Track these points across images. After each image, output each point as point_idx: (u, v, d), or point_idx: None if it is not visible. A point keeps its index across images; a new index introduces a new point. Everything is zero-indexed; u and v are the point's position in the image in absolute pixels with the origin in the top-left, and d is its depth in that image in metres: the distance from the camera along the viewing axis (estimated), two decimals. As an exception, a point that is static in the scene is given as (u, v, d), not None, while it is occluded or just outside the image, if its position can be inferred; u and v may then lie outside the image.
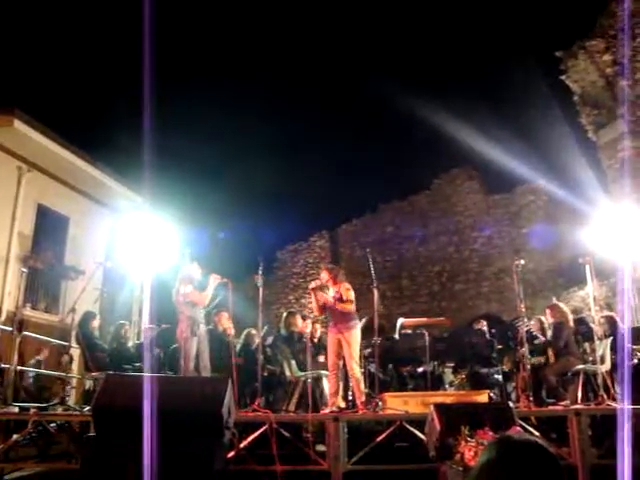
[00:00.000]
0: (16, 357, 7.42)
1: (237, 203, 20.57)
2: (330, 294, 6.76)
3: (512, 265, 7.17)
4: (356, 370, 6.50)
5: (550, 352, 7.40)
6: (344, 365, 6.85)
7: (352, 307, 6.63)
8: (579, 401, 6.73)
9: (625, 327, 6.94)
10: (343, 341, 6.53)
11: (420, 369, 8.62)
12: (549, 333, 7.62)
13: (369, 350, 7.81)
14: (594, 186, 12.30)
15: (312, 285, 7.04)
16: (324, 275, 6.94)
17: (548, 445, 1.68)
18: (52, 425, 6.27)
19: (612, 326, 7.36)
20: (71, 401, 8.21)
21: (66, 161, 11.73)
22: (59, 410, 6.67)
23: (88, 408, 6.04)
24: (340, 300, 6.62)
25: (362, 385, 6.60)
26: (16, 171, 11.32)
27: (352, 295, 6.68)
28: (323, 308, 6.90)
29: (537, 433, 5.43)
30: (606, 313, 8.06)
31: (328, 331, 6.89)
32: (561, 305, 7.83)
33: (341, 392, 6.97)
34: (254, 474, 5.11)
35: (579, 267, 7.28)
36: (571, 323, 7.43)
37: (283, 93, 29.53)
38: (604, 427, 5.66)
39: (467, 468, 3.90)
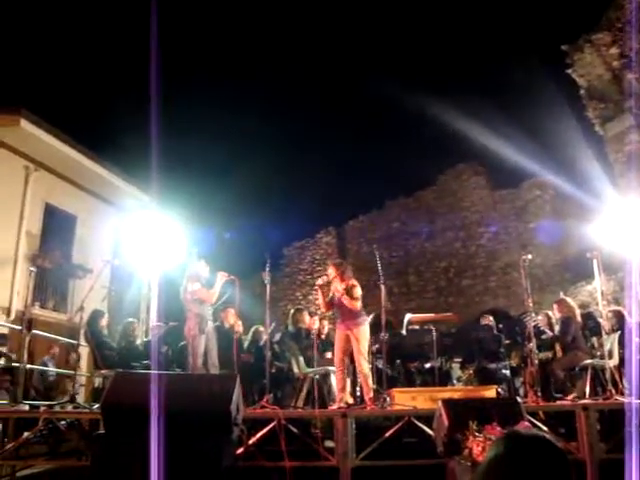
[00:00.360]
0: (26, 356, 7.46)
1: (244, 201, 20.63)
2: (339, 288, 6.74)
3: (519, 260, 7.15)
4: (364, 366, 6.50)
5: (558, 347, 7.40)
6: (352, 361, 6.86)
7: (359, 304, 6.61)
8: (587, 396, 6.71)
9: (633, 321, 6.92)
10: (352, 337, 6.52)
11: (428, 365, 8.63)
12: (556, 328, 7.61)
13: (377, 346, 7.81)
14: (601, 180, 12.23)
15: (319, 281, 7.04)
16: (331, 271, 6.90)
17: (556, 440, 1.68)
18: (62, 423, 6.30)
19: (620, 320, 7.33)
20: (80, 399, 8.25)
21: (73, 160, 11.77)
22: (69, 408, 6.71)
23: (97, 406, 6.07)
24: (347, 294, 6.60)
25: (370, 381, 6.60)
26: (23, 170, 11.38)
27: (359, 292, 6.66)
28: (330, 304, 6.89)
29: (545, 428, 5.43)
30: (614, 307, 8.03)
31: (336, 327, 6.88)
32: (568, 300, 7.81)
33: (349, 388, 6.98)
34: (263, 470, 5.13)
35: (586, 262, 7.25)
36: (578, 318, 7.41)
37: (288, 92, 29.56)
38: (612, 422, 5.65)
39: (475, 463, 3.90)
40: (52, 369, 9.75)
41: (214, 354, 7.09)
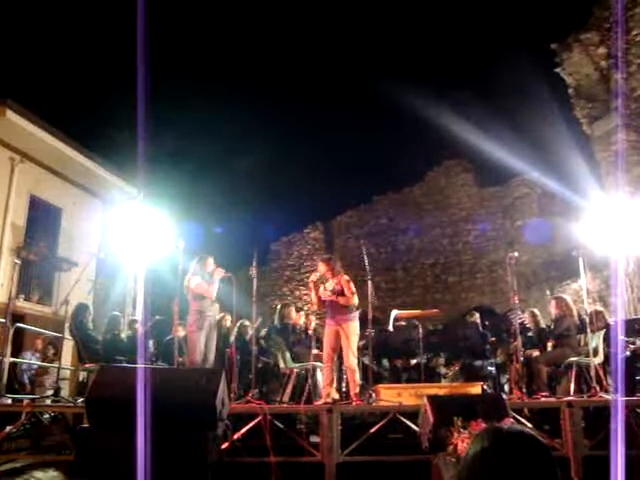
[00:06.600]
0: (9, 349, 7.39)
1: (232, 195, 20.56)
2: (328, 287, 6.68)
3: (506, 258, 7.16)
4: (353, 362, 6.47)
5: (548, 344, 7.39)
6: (338, 357, 6.83)
7: (355, 299, 6.57)
8: (572, 393, 6.74)
9: (618, 319, 6.95)
10: (342, 333, 6.48)
11: (414, 361, 8.64)
12: (542, 323, 7.61)
13: (363, 342, 7.81)
14: (588, 179, 12.30)
15: (312, 278, 6.90)
16: (322, 267, 6.81)
17: (538, 435, 1.68)
18: (46, 417, 6.25)
19: (605, 319, 7.36)
20: (65, 393, 8.19)
21: (59, 152, 11.67)
22: (48, 402, 6.64)
23: (82, 400, 6.02)
24: (341, 293, 6.56)
25: (357, 377, 6.59)
26: (9, 162, 11.27)
27: (353, 286, 6.62)
28: (322, 301, 6.82)
29: (530, 425, 5.46)
30: (598, 308, 8.04)
31: (325, 323, 6.84)
32: (567, 299, 7.64)
33: (335, 384, 6.97)
34: (248, 465, 5.12)
35: (572, 260, 7.27)
36: (575, 318, 7.33)
37: (278, 87, 29.48)
38: (597, 419, 5.69)
39: (460, 459, 3.91)
40: (33, 362, 9.64)
41: (212, 351, 6.98)
